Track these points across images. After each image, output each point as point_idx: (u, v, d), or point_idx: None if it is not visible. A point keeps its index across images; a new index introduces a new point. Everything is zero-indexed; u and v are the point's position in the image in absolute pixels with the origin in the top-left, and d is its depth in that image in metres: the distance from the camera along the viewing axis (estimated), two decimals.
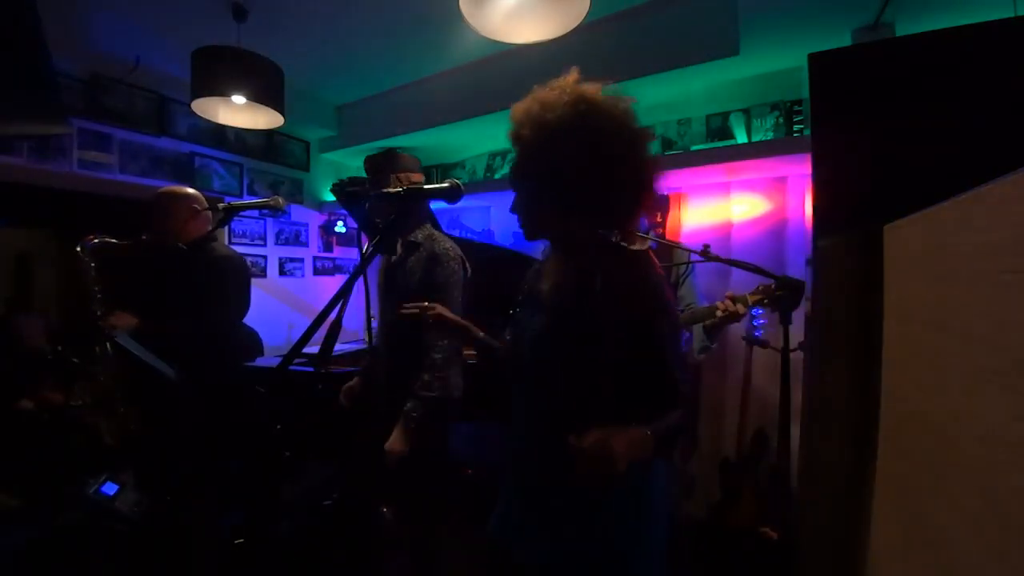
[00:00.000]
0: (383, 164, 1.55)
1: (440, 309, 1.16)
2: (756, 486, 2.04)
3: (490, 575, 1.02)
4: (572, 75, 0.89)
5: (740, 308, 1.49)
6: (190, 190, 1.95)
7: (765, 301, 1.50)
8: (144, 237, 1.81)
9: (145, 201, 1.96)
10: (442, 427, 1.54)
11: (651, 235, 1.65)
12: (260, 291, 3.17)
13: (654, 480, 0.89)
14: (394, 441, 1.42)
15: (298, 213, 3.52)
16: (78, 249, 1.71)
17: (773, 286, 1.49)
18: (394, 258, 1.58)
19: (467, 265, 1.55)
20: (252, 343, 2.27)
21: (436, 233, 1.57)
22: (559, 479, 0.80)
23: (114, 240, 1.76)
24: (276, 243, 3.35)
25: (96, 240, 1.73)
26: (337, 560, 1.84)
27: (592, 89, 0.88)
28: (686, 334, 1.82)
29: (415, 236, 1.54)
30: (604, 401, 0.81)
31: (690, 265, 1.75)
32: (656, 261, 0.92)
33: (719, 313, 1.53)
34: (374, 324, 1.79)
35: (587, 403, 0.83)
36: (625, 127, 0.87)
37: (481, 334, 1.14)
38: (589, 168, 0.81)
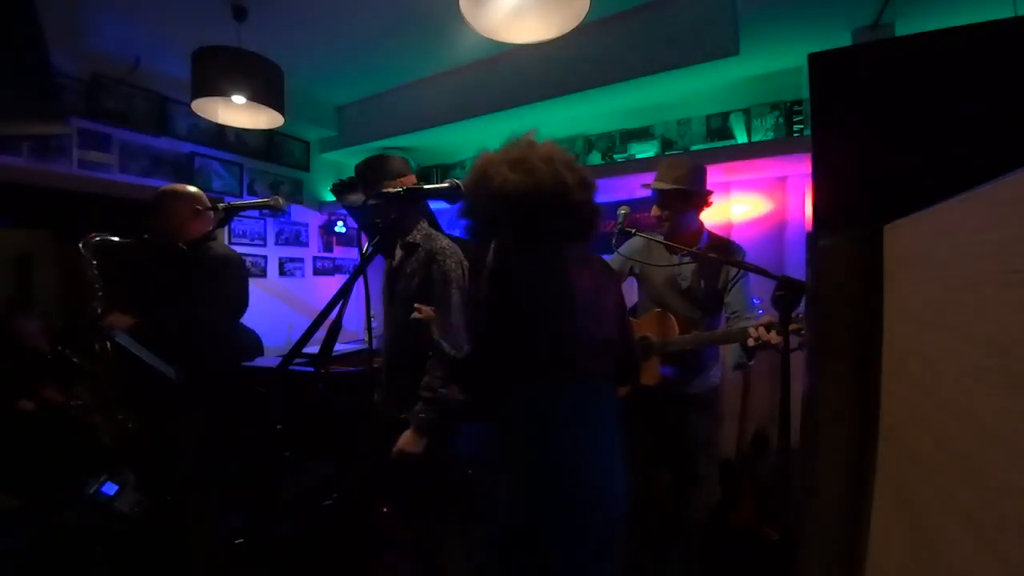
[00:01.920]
0: (372, 171, 1.54)
1: (427, 317, 1.32)
2: (756, 486, 2.04)
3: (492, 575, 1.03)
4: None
5: (773, 337, 1.35)
6: (192, 189, 1.95)
7: (802, 330, 1.35)
8: (145, 236, 1.81)
9: (145, 201, 1.96)
10: (444, 428, 1.55)
11: (652, 236, 1.64)
12: (260, 291, 3.18)
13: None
14: (406, 442, 1.43)
15: (298, 213, 3.52)
16: (80, 246, 1.71)
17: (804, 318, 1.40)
18: (394, 262, 1.58)
19: (465, 263, 1.55)
20: (252, 343, 2.28)
21: (433, 232, 1.57)
22: None
23: (116, 238, 1.76)
24: (276, 243, 3.35)
25: (98, 238, 1.73)
26: (337, 560, 1.84)
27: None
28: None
29: (413, 237, 1.54)
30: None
31: (741, 271, 1.61)
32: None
33: (750, 342, 1.39)
34: (374, 324, 1.79)
35: None
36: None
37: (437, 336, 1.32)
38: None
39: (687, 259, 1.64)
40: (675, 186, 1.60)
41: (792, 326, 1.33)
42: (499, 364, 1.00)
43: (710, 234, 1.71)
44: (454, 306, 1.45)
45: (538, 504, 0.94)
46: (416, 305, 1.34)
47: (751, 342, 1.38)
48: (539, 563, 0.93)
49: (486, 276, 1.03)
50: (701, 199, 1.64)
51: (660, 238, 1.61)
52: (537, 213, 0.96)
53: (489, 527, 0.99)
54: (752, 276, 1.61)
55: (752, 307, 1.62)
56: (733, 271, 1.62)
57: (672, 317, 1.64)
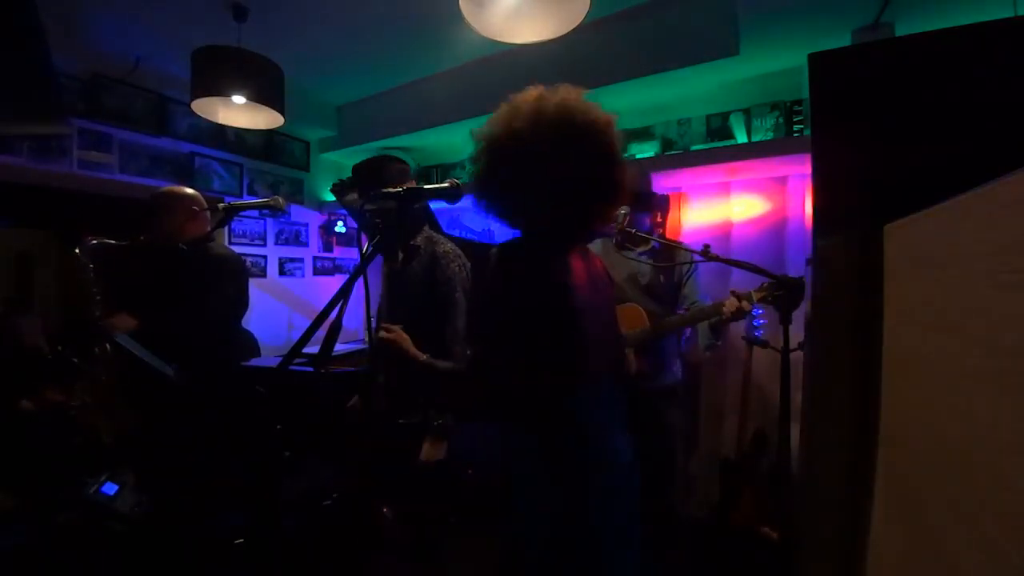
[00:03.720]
0: (370, 175, 1.53)
1: (398, 338, 1.36)
2: (756, 486, 2.04)
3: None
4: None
5: (745, 305, 1.52)
6: (189, 190, 1.95)
7: (768, 298, 1.52)
8: (142, 237, 1.81)
9: (145, 201, 1.96)
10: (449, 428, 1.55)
11: (652, 235, 1.65)
12: (260, 291, 3.17)
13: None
14: (430, 453, 1.44)
15: (298, 213, 3.52)
16: (76, 250, 1.71)
17: (773, 285, 1.50)
18: (396, 265, 1.58)
19: (468, 265, 1.55)
20: (248, 344, 2.27)
21: (436, 235, 1.56)
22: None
23: (112, 241, 1.76)
24: (276, 243, 3.35)
25: (94, 241, 1.73)
26: (337, 560, 1.84)
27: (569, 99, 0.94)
28: (686, 331, 1.83)
29: (415, 240, 1.53)
30: None
31: (693, 263, 1.76)
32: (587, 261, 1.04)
33: (725, 311, 1.54)
34: (374, 324, 1.79)
35: None
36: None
37: (423, 358, 1.34)
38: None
39: (697, 256, 1.69)
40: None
41: (758, 294, 1.51)
42: (526, 369, 0.93)
43: (662, 235, 1.89)
44: (459, 310, 1.45)
45: (596, 507, 0.93)
46: (384, 326, 1.38)
47: (726, 311, 1.54)
48: (594, 563, 0.92)
49: (501, 277, 0.96)
50: (642, 200, 1.78)
51: (611, 242, 1.76)
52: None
53: (531, 531, 0.95)
54: (702, 270, 1.81)
55: (704, 298, 1.77)
56: (686, 267, 1.76)
57: (641, 310, 1.72)
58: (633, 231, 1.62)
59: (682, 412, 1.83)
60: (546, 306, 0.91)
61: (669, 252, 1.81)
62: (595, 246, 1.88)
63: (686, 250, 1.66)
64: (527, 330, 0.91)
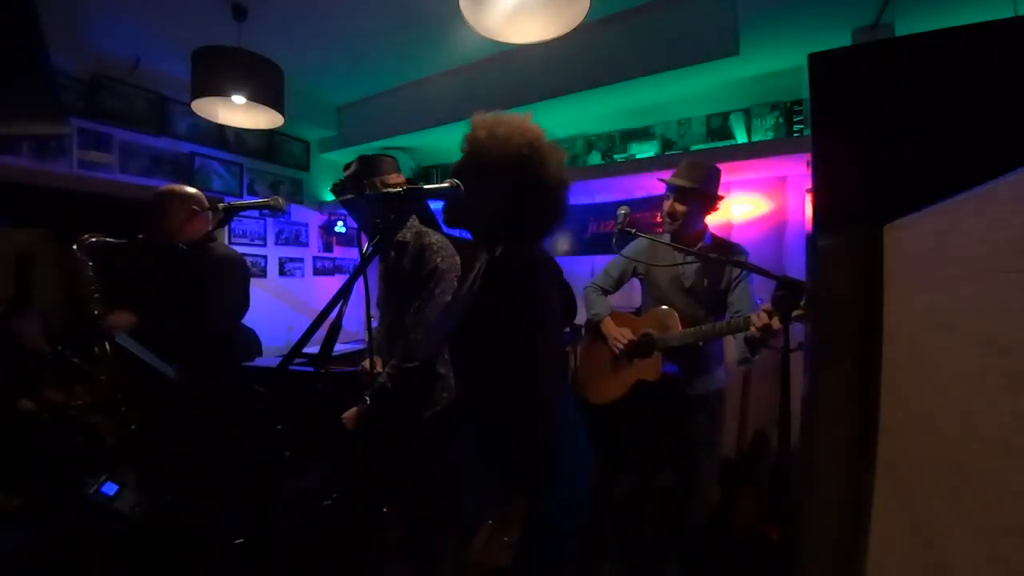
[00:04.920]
0: (360, 172, 1.55)
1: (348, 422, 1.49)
2: (756, 486, 2.04)
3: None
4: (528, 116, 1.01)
5: (775, 323, 1.37)
6: (191, 189, 1.95)
7: (804, 317, 1.35)
8: (141, 236, 1.81)
9: (145, 201, 1.96)
10: (447, 429, 1.54)
11: (651, 236, 1.65)
12: (260, 291, 3.17)
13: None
14: (347, 416, 1.52)
15: (298, 213, 3.52)
16: (74, 248, 1.71)
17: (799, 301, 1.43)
18: (388, 264, 1.58)
19: (457, 259, 1.55)
20: (250, 343, 2.28)
21: (424, 229, 1.56)
22: None
23: (110, 239, 1.75)
24: (276, 243, 3.35)
25: (92, 239, 1.73)
26: (337, 560, 1.84)
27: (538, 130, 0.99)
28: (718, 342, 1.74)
29: (403, 236, 1.53)
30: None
31: (744, 271, 1.63)
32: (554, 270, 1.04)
33: (752, 331, 1.42)
34: (374, 324, 1.79)
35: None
36: (549, 170, 0.98)
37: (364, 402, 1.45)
38: (509, 191, 0.95)
39: (690, 259, 1.64)
40: (693, 185, 1.63)
41: (796, 313, 1.35)
42: (504, 366, 0.98)
43: (713, 236, 1.74)
44: (432, 299, 1.45)
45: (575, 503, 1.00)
46: (344, 418, 1.50)
47: (753, 331, 1.40)
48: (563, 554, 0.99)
49: (486, 277, 1.02)
50: (712, 201, 1.68)
51: (666, 239, 1.63)
52: (555, 206, 0.98)
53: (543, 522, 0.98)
54: (755, 278, 1.63)
55: (756, 308, 1.60)
56: (736, 272, 1.64)
57: (674, 313, 1.66)
58: (632, 231, 1.61)
59: (712, 421, 1.71)
60: (535, 304, 0.97)
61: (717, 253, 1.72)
62: (639, 246, 1.81)
63: (682, 252, 1.62)
64: (519, 328, 0.96)
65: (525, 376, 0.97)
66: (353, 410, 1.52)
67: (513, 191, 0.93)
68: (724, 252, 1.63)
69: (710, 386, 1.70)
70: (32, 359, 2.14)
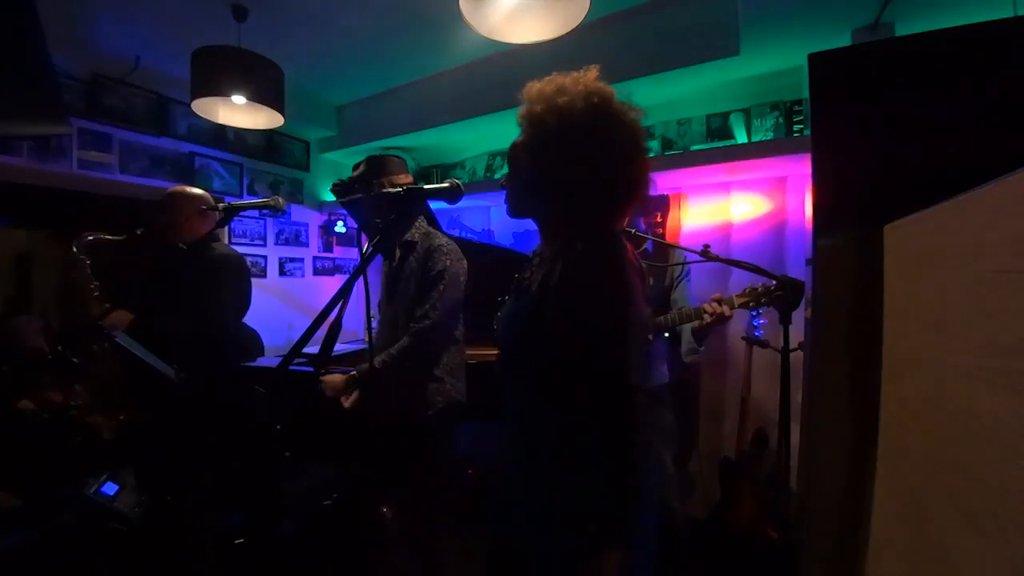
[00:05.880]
0: (368, 172, 1.55)
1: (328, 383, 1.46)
2: (756, 486, 2.04)
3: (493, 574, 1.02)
4: (592, 71, 0.87)
5: (726, 310, 1.50)
6: (198, 191, 1.96)
7: (751, 303, 1.51)
8: (139, 232, 1.81)
9: (145, 201, 1.96)
10: (448, 429, 1.55)
11: (649, 236, 1.65)
12: (260, 291, 3.16)
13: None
14: (335, 390, 1.50)
15: (298, 213, 3.52)
16: (72, 246, 1.71)
17: (772, 286, 1.49)
18: (393, 263, 1.58)
19: (464, 261, 1.55)
20: (253, 343, 2.27)
21: (431, 230, 1.57)
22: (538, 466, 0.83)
23: (109, 236, 1.75)
24: (276, 243, 3.35)
25: (91, 237, 1.73)
26: (337, 560, 1.84)
27: (608, 89, 0.86)
28: (661, 337, 1.81)
29: (411, 236, 1.54)
30: (544, 388, 0.82)
31: (685, 268, 1.74)
32: (638, 262, 0.91)
33: (706, 317, 1.52)
34: (374, 324, 1.79)
35: (532, 389, 0.85)
36: (628, 132, 0.86)
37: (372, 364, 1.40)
38: (583, 161, 0.81)
39: (695, 257, 1.66)
40: None
41: (740, 299, 1.48)
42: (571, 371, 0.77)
43: (660, 236, 1.93)
44: (441, 301, 1.45)
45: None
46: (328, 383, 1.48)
47: (707, 317, 1.51)
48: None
49: (568, 272, 0.81)
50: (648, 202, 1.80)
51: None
52: (633, 179, 0.85)
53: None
54: (701, 271, 1.81)
55: (693, 303, 1.72)
56: (678, 270, 1.75)
57: None
58: (632, 231, 1.62)
59: (671, 414, 1.80)
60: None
61: (664, 254, 1.81)
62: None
63: (683, 252, 1.65)
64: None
65: (623, 406, 0.75)
66: (339, 376, 1.49)
67: (585, 166, 0.80)
68: (669, 253, 1.82)
69: (658, 381, 1.78)
70: (32, 359, 2.14)
